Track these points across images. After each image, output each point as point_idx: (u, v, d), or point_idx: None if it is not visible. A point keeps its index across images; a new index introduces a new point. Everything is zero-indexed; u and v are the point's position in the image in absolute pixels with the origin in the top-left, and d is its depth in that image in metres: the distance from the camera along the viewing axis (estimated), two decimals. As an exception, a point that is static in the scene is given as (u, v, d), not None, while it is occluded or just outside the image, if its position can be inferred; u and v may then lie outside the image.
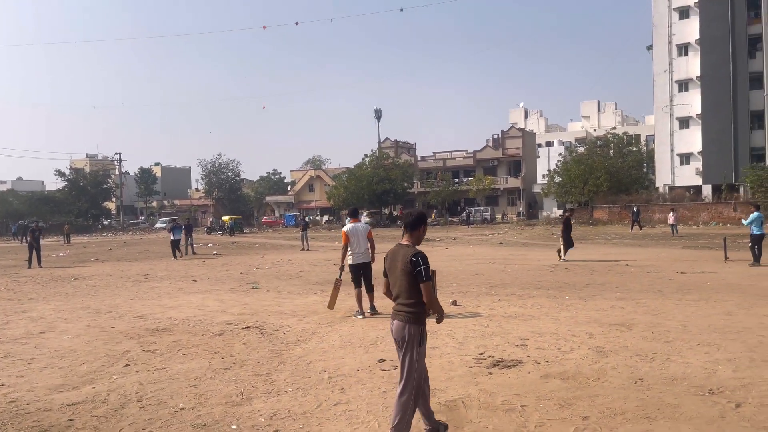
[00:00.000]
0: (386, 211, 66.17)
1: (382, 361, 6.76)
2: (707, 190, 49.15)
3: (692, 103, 50.92)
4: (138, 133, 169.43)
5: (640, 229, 37.06)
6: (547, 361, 6.54)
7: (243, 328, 8.90)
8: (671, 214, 33.30)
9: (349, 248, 9.64)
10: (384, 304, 10.63)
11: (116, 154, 74.63)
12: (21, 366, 6.96)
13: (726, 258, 17.49)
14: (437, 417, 4.81)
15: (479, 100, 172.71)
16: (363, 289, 9.74)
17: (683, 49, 51.74)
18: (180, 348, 7.70)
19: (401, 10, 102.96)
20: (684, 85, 51.74)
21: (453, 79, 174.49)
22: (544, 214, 62.14)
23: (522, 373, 6.14)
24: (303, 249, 27.95)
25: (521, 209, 66.30)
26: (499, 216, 63.45)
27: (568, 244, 18.92)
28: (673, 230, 32.29)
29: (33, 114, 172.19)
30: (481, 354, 6.94)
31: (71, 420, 5.01)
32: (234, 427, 4.77)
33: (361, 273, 9.67)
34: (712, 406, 4.98)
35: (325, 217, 73.09)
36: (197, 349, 7.63)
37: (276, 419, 4.93)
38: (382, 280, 4.57)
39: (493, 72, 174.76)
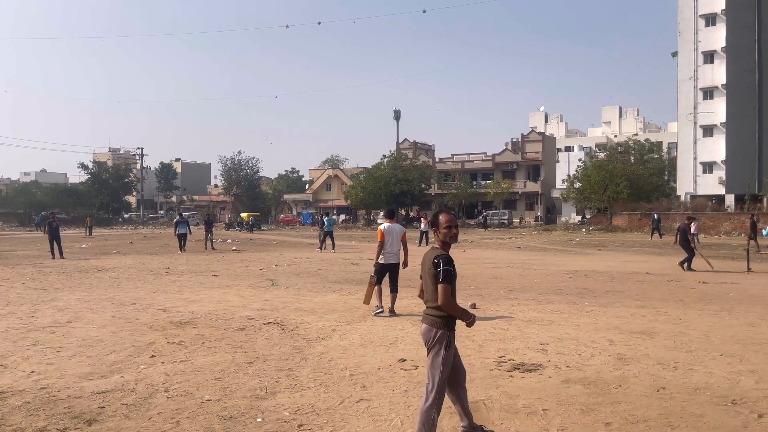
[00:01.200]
0: (403, 212, 66.20)
1: (403, 360, 6.82)
2: (730, 199, 48.55)
3: (717, 111, 50.35)
4: (160, 129, 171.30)
5: (660, 237, 36.71)
6: (567, 366, 6.56)
7: (264, 324, 9.02)
8: (693, 223, 32.85)
9: (383, 248, 9.73)
10: (400, 305, 10.70)
11: (138, 148, 75.58)
12: (50, 354, 7.12)
13: (749, 269, 17.31)
14: (458, 420, 4.88)
15: (499, 103, 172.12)
16: (384, 286, 9.83)
17: (709, 57, 51.19)
18: (203, 341, 7.82)
19: (424, 11, 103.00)
20: (709, 93, 51.18)
21: (473, 82, 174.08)
22: (563, 219, 61.77)
23: (543, 377, 6.16)
24: (320, 249, 28.07)
25: (539, 214, 65.95)
26: (516, 220, 63.18)
27: (691, 252, 18.17)
28: (694, 239, 31.87)
29: (58, 107, 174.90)
30: (501, 357, 6.98)
31: (101, 407, 5.13)
32: (259, 420, 4.86)
33: (388, 273, 9.76)
34: (735, 416, 4.98)
35: (342, 216, 73.33)
36: (220, 342, 7.75)
37: (300, 414, 5.01)
38: (419, 282, 4.57)
39: (513, 75, 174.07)
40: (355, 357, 7.02)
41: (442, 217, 4.35)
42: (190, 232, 27.96)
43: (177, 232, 26.20)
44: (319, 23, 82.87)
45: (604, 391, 5.66)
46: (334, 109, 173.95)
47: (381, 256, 9.79)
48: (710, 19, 51.02)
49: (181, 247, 25.84)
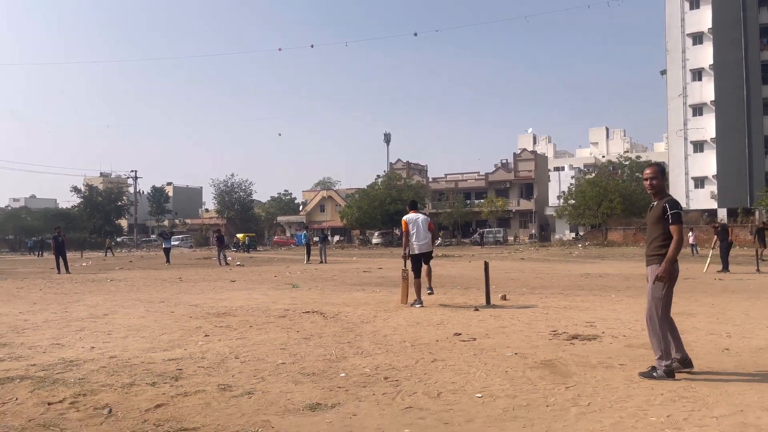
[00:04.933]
0: (397, 231, 66.26)
1: (459, 334, 6.84)
2: (722, 213, 49.16)
3: (706, 127, 51.25)
4: (151, 153, 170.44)
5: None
6: (624, 336, 6.63)
7: (303, 313, 9.01)
8: (690, 234, 33.28)
9: (412, 239, 9.66)
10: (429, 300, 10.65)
11: (132, 171, 75.28)
12: (102, 336, 7.07)
13: (758, 270, 17.55)
14: (539, 372, 4.93)
15: (488, 125, 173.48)
16: (422, 279, 9.75)
17: (697, 74, 52.27)
18: (251, 325, 7.80)
19: (415, 34, 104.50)
20: (698, 110, 52.14)
21: (463, 104, 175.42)
22: (557, 236, 62.13)
23: (604, 344, 6.22)
24: (321, 262, 28.01)
25: (533, 231, 66.31)
26: (511, 238, 63.48)
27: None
28: (693, 250, 32.25)
29: (47, 132, 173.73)
30: (554, 331, 7.02)
31: (180, 369, 5.12)
32: (343, 375, 4.87)
33: (422, 261, 9.73)
34: (809, 366, 5.06)
35: (337, 237, 73.22)
36: (268, 326, 7.73)
37: (381, 370, 5.03)
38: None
39: (502, 97, 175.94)
40: (408, 333, 7.03)
41: (647, 169, 5.07)
42: (175, 246, 33.39)
43: (163, 246, 30.56)
44: (312, 46, 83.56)
45: (670, 352, 5.72)
46: (325, 132, 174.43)
47: (414, 247, 9.72)
48: (697, 38, 52.23)
49: (167, 259, 28.89)
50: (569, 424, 3.53)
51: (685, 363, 4.81)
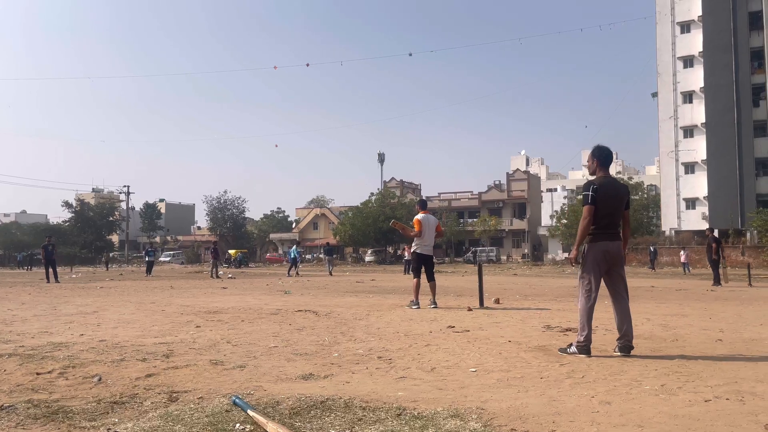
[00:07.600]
0: (390, 249, 66.24)
1: (452, 327, 6.81)
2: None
3: (697, 148, 51.72)
4: (143, 169, 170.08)
5: (653, 269, 37.14)
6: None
7: (296, 311, 8.95)
8: (682, 252, 33.46)
9: (419, 238, 9.55)
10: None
11: (124, 186, 74.86)
12: (91, 327, 6.98)
13: (750, 284, 17.63)
14: (533, 353, 4.91)
15: (480, 146, 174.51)
16: (422, 280, 9.62)
17: (688, 97, 52.92)
18: (243, 320, 7.73)
19: (410, 54, 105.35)
20: (689, 132, 52.69)
21: (454, 124, 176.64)
22: (549, 256, 62.22)
23: (597, 335, 6.20)
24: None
25: (526, 251, 66.41)
26: (504, 257, 63.52)
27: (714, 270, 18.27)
28: (684, 269, 32.37)
29: (39, 147, 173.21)
30: (547, 325, 7.00)
31: (170, 350, 5.06)
32: (336, 355, 4.83)
33: (423, 265, 9.63)
34: (802, 352, 5.06)
35: (330, 255, 72.93)
36: (260, 320, 7.67)
37: (374, 352, 4.99)
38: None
39: (494, 119, 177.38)
40: (402, 326, 6.99)
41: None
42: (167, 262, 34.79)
43: (146, 260, 31.81)
44: (308, 65, 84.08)
45: (665, 343, 5.73)
46: (319, 150, 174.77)
47: (417, 247, 9.65)
48: (688, 61, 52.99)
49: (148, 271, 30.08)
50: (564, 391, 3.51)
51: (585, 350, 4.84)
